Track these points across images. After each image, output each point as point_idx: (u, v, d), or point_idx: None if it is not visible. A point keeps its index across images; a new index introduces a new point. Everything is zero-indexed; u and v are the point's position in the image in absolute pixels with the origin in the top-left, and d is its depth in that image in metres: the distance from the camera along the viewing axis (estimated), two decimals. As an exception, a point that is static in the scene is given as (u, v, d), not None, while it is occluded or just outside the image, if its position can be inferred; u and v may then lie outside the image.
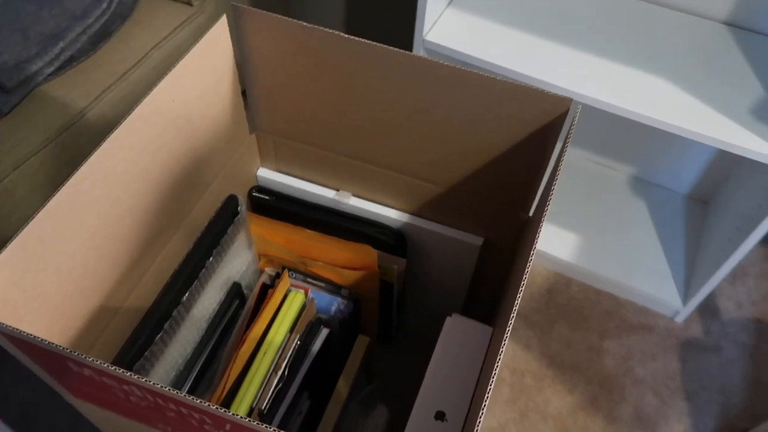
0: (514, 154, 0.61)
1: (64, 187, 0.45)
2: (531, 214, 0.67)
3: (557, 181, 0.49)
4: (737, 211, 0.99)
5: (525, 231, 0.67)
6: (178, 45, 0.95)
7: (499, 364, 0.40)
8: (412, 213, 0.75)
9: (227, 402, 0.62)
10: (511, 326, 0.42)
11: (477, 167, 0.65)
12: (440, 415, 0.60)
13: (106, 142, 0.48)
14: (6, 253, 0.42)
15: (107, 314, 0.56)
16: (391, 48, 0.58)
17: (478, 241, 0.73)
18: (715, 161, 1.12)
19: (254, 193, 0.78)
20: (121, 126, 0.50)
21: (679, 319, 1.07)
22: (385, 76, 0.60)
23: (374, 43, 0.58)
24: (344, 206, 0.76)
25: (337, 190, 0.76)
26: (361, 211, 0.76)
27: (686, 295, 1.05)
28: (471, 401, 0.60)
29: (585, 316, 1.06)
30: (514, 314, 0.42)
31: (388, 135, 0.66)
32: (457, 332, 0.65)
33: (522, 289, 0.43)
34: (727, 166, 1.12)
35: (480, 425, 0.38)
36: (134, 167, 0.53)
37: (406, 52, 0.58)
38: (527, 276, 0.44)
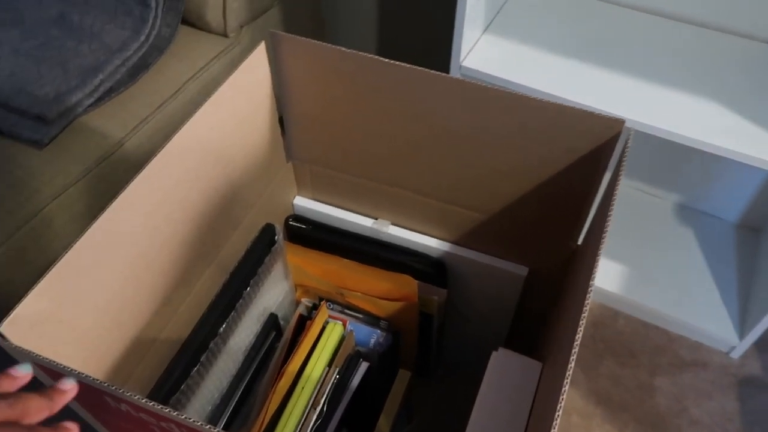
0: (562, 179, 0.58)
1: (101, 217, 0.44)
2: (579, 242, 0.64)
3: (612, 209, 0.46)
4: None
5: (575, 261, 0.64)
6: (214, 76, 0.95)
7: (561, 406, 0.37)
8: (452, 242, 0.73)
9: (264, 439, 0.60)
10: (572, 367, 0.39)
11: (522, 194, 0.62)
12: (489, 457, 0.56)
13: (144, 170, 0.47)
14: (43, 284, 0.41)
15: (143, 346, 0.55)
16: (432, 71, 0.57)
17: (522, 271, 0.70)
18: (765, 187, 1.07)
19: (291, 222, 0.77)
20: (159, 155, 0.49)
21: (735, 354, 1.01)
22: (426, 100, 0.59)
23: (414, 66, 0.57)
24: (382, 235, 0.74)
25: (376, 218, 0.74)
26: (399, 240, 0.74)
27: (742, 329, 1.00)
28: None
29: (634, 351, 1.01)
30: (574, 355, 0.39)
31: (427, 161, 0.64)
32: (504, 368, 0.62)
33: (582, 325, 0.40)
34: (779, 192, 1.07)
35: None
36: (172, 196, 0.52)
37: (448, 75, 0.56)
38: (587, 311, 0.41)
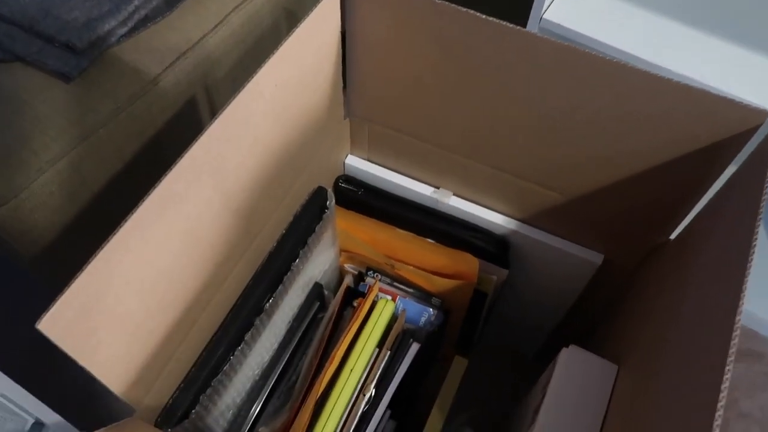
0: (671, 170, 0.51)
1: (155, 189, 0.38)
2: (672, 237, 0.57)
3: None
4: None
5: (663, 257, 0.57)
6: (258, 9, 0.86)
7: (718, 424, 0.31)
8: (519, 219, 0.66)
9: (311, 426, 0.55)
10: (724, 398, 0.33)
11: (616, 179, 0.55)
12: (557, 469, 0.51)
13: (203, 136, 0.40)
14: (89, 269, 0.35)
15: (186, 325, 0.49)
16: (531, 32, 0.48)
17: (597, 258, 0.63)
18: None
19: (341, 183, 0.70)
20: (220, 117, 0.41)
21: (788, 344, 0.96)
22: (518, 65, 0.50)
23: (511, 25, 0.48)
24: (442, 206, 0.67)
25: (437, 187, 0.67)
26: (460, 213, 0.67)
27: (801, 321, 0.94)
28: (593, 454, 0.52)
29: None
30: (727, 379, 0.33)
31: (508, 133, 0.57)
32: (575, 369, 0.56)
33: (734, 346, 0.34)
34: None
35: None
36: (228, 163, 0.45)
37: (551, 38, 0.48)
38: (738, 330, 0.35)
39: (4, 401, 0.61)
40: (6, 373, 0.59)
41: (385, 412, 0.61)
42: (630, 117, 0.49)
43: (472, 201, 0.67)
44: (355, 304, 0.65)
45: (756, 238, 0.39)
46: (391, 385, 0.61)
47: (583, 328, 0.76)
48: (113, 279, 0.37)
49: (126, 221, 0.36)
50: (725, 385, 0.34)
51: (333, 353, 0.57)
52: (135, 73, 0.72)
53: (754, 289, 0.97)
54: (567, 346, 0.58)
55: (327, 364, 0.57)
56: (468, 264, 0.65)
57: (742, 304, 0.37)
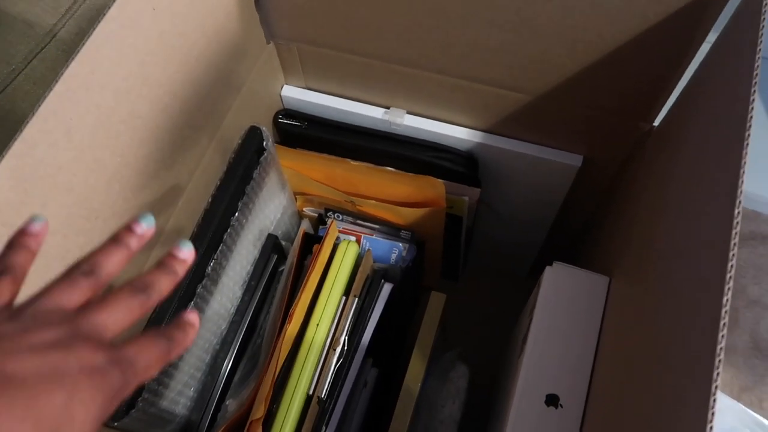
0: (644, 43, 0.43)
1: (10, 152, 0.30)
2: (656, 123, 0.50)
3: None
4: None
5: (650, 149, 0.50)
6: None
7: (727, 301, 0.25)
8: (485, 130, 0.58)
9: (277, 393, 0.50)
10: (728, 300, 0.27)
11: (587, 66, 0.47)
12: (552, 399, 0.46)
13: (59, 83, 0.32)
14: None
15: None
16: None
17: (575, 160, 0.56)
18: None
19: (280, 119, 0.62)
20: (79, 55, 0.33)
21: (792, 221, 0.90)
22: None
23: None
24: (397, 128, 0.60)
25: (388, 107, 0.59)
26: (419, 132, 0.59)
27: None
28: (590, 380, 0.46)
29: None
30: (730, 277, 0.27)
31: (460, 30, 0.48)
32: (562, 286, 0.50)
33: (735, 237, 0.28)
34: None
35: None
36: (113, 115, 0.37)
37: None
38: (740, 216, 0.29)
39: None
40: None
41: (364, 362, 0.55)
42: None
43: (429, 117, 0.59)
44: (314, 251, 0.58)
45: (752, 108, 0.32)
46: (365, 334, 0.55)
47: (574, 243, 0.70)
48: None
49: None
50: (730, 274, 0.28)
51: (292, 309, 0.51)
52: (27, 27, 0.63)
53: (753, 168, 0.90)
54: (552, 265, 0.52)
55: (287, 322, 0.51)
56: (434, 188, 0.58)
57: (743, 181, 0.31)
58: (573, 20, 0.43)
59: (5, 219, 0.31)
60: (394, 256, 0.62)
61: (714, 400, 0.24)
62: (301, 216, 0.68)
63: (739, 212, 0.30)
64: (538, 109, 0.53)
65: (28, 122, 0.31)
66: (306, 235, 0.60)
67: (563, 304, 0.49)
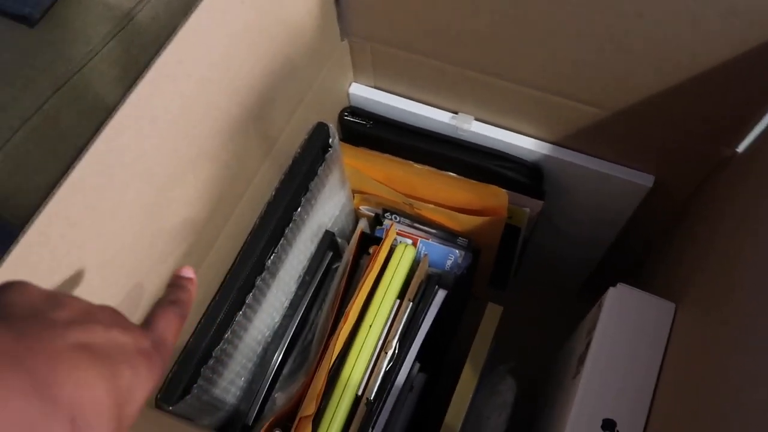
0: (740, 69, 0.41)
1: (100, 136, 0.31)
2: (740, 149, 0.48)
3: None
4: None
5: (731, 174, 0.48)
6: None
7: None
8: (553, 142, 0.57)
9: (327, 391, 0.50)
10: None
11: (672, 86, 0.45)
12: (609, 425, 0.45)
13: (151, 71, 0.32)
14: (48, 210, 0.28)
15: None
16: None
17: (647, 180, 0.55)
18: None
19: (346, 116, 0.62)
20: (171, 45, 0.33)
21: None
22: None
23: None
24: (464, 133, 0.59)
25: (456, 112, 0.59)
26: (484, 140, 0.59)
27: None
28: (650, 408, 0.45)
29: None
30: None
31: (535, 39, 0.47)
32: (625, 309, 0.49)
33: None
34: None
35: None
36: (193, 106, 0.38)
37: None
38: None
39: None
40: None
41: (412, 367, 0.55)
42: (689, 7, 0.39)
43: (498, 125, 0.58)
44: (371, 251, 0.58)
45: None
46: (416, 338, 0.54)
47: (632, 264, 0.68)
48: (81, 224, 0.31)
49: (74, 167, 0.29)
50: None
51: (348, 309, 0.51)
52: (106, 9, 0.64)
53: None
54: (614, 285, 0.50)
55: (342, 322, 0.51)
56: (496, 197, 0.57)
57: None
58: (665, 39, 0.41)
59: (91, 202, 0.32)
60: (449, 263, 0.61)
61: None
62: (357, 215, 0.67)
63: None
64: (612, 126, 0.51)
65: (118, 108, 0.32)
66: (363, 234, 0.60)
67: (626, 328, 0.48)
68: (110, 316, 0.26)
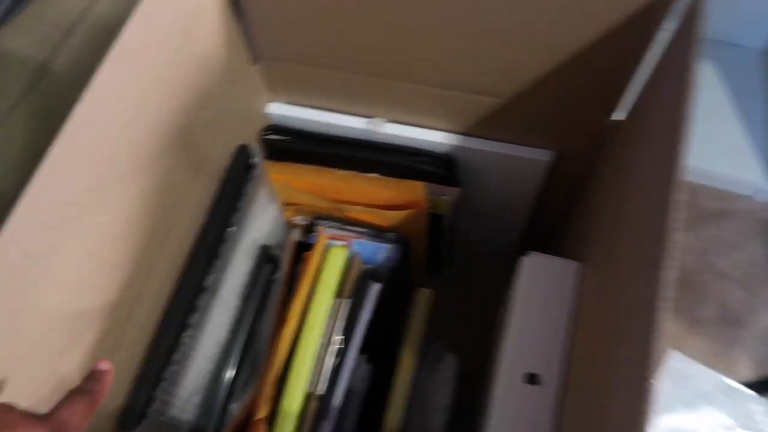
0: (605, 44, 0.46)
1: (29, 188, 0.33)
2: (617, 117, 0.53)
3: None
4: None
5: (614, 140, 0.53)
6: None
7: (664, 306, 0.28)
8: (461, 133, 0.62)
9: (279, 393, 0.53)
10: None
11: (551, 69, 0.50)
12: (533, 378, 0.50)
13: (70, 122, 0.35)
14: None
15: (117, 328, 0.46)
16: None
17: (545, 156, 0.60)
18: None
19: (267, 135, 0.65)
20: (88, 94, 0.37)
21: (763, 197, 0.94)
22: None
23: None
24: (379, 136, 0.63)
25: (370, 117, 0.63)
26: (399, 140, 0.63)
27: (772, 171, 0.91)
28: (568, 357, 0.50)
29: (657, 211, 0.94)
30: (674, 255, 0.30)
31: (429, 42, 0.51)
32: (538, 274, 0.54)
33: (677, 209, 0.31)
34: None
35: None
36: (116, 143, 0.41)
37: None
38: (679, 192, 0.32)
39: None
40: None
41: (359, 359, 0.59)
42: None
43: (409, 124, 0.63)
44: (304, 257, 0.61)
45: (692, 92, 0.35)
46: (356, 331, 0.58)
47: (551, 234, 0.73)
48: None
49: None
50: (672, 256, 0.31)
51: (287, 314, 0.55)
52: (20, 64, 0.66)
53: (719, 149, 0.94)
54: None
55: (284, 326, 0.54)
56: (414, 191, 0.62)
57: (683, 166, 0.34)
58: (535, 28, 0.46)
59: (31, 252, 0.34)
60: (381, 257, 0.65)
61: (657, 352, 0.28)
62: (291, 226, 0.71)
63: (678, 194, 0.33)
64: (508, 111, 0.56)
65: (44, 162, 0.35)
66: (297, 243, 0.63)
67: (538, 289, 0.53)
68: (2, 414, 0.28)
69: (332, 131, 0.64)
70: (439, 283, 0.66)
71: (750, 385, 0.81)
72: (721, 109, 0.97)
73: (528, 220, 0.70)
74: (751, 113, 0.97)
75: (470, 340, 0.70)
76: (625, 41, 0.46)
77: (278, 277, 0.63)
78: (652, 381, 0.27)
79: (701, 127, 0.98)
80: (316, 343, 0.55)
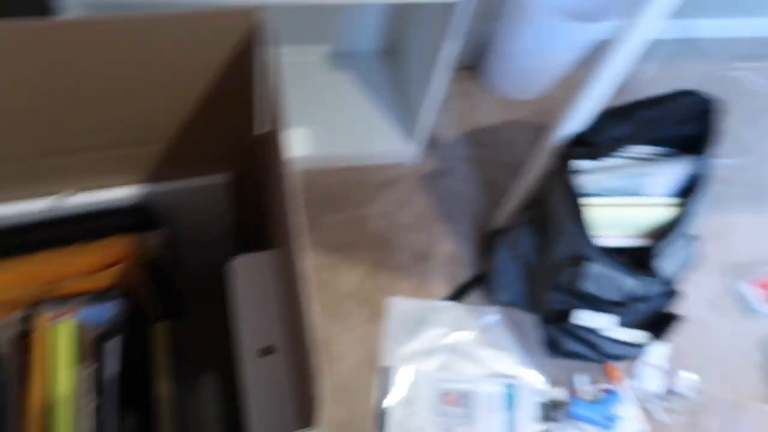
0: (219, 84, 0.58)
1: None
2: (263, 131, 0.66)
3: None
4: (421, 50, 1.10)
5: (265, 150, 0.66)
6: None
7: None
8: (145, 182, 0.69)
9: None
10: (302, 240, 0.42)
11: (188, 111, 0.60)
12: (267, 350, 0.60)
13: None
14: None
15: None
16: (26, 20, 0.49)
17: (221, 178, 0.70)
18: (387, 13, 1.20)
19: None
20: None
21: (416, 160, 1.19)
22: (42, 54, 0.51)
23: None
24: (71, 208, 0.67)
25: (55, 194, 0.66)
26: (88, 206, 0.67)
27: (413, 137, 1.17)
28: (292, 325, 0.62)
29: (342, 195, 1.13)
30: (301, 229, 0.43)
31: (78, 115, 0.58)
32: (246, 269, 0.65)
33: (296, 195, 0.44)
34: (398, 13, 1.20)
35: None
36: None
37: (51, 18, 0.49)
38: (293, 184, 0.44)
39: None
40: None
41: (121, 413, 0.62)
42: (157, 58, 0.54)
43: (96, 188, 0.67)
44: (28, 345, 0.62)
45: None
46: (107, 389, 0.61)
47: (258, 236, 0.85)
48: None
49: None
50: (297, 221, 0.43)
51: (30, 399, 0.56)
52: None
53: (368, 135, 1.16)
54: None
55: (27, 411, 0.55)
56: (117, 246, 0.67)
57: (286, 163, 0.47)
58: (157, 86, 0.56)
59: None
60: (109, 315, 0.69)
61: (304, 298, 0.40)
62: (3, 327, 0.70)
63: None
64: (172, 152, 0.65)
65: None
66: (20, 334, 0.64)
67: (248, 281, 0.64)
68: None
69: (15, 221, 0.66)
70: (184, 318, 0.72)
71: (449, 299, 1.04)
72: (359, 105, 1.20)
73: (236, 232, 0.80)
74: (379, 100, 1.21)
75: (221, 351, 0.78)
76: (235, 74, 0.58)
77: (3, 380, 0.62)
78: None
79: (350, 120, 1.20)
80: (71, 412, 0.57)
